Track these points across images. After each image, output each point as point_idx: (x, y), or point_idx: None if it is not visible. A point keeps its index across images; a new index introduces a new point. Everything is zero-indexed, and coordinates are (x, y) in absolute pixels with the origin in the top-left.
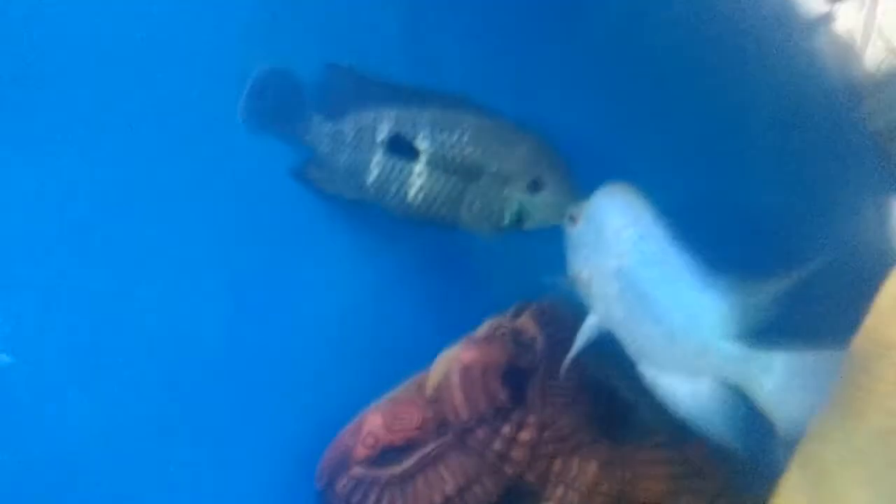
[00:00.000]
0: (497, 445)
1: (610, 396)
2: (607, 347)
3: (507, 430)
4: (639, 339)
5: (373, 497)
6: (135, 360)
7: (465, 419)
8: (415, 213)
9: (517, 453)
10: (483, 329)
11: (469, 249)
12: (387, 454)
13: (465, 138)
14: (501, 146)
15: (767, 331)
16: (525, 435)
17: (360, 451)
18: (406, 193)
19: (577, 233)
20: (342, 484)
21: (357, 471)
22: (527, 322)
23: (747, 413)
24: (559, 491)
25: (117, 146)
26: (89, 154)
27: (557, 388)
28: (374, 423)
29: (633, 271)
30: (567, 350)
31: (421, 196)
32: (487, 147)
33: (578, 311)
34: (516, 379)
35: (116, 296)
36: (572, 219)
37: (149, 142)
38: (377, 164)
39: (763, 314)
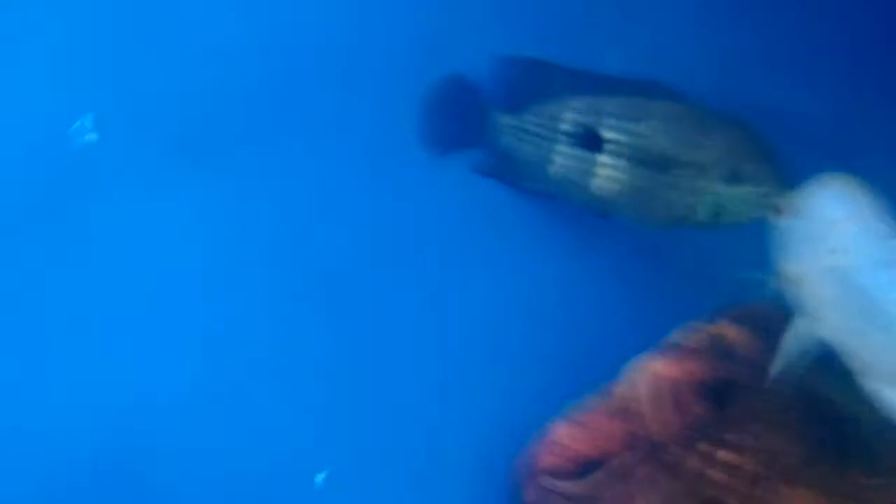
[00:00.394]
0: (693, 463)
1: (828, 413)
2: (824, 356)
3: (704, 447)
4: (861, 349)
5: None
6: (335, 368)
7: (656, 435)
8: (599, 205)
9: (716, 474)
10: (679, 335)
11: (665, 245)
12: (576, 466)
13: (655, 127)
14: (695, 134)
15: None
16: (725, 454)
17: (547, 461)
18: (589, 185)
19: (787, 227)
20: (529, 493)
21: (544, 480)
22: (729, 327)
23: None
24: None
25: (304, 156)
26: (275, 170)
27: (764, 403)
28: (561, 431)
29: (857, 272)
30: (775, 359)
31: (605, 188)
32: (679, 136)
33: (788, 315)
34: (716, 392)
35: (315, 301)
36: (780, 211)
37: (332, 150)
38: (561, 155)
39: None
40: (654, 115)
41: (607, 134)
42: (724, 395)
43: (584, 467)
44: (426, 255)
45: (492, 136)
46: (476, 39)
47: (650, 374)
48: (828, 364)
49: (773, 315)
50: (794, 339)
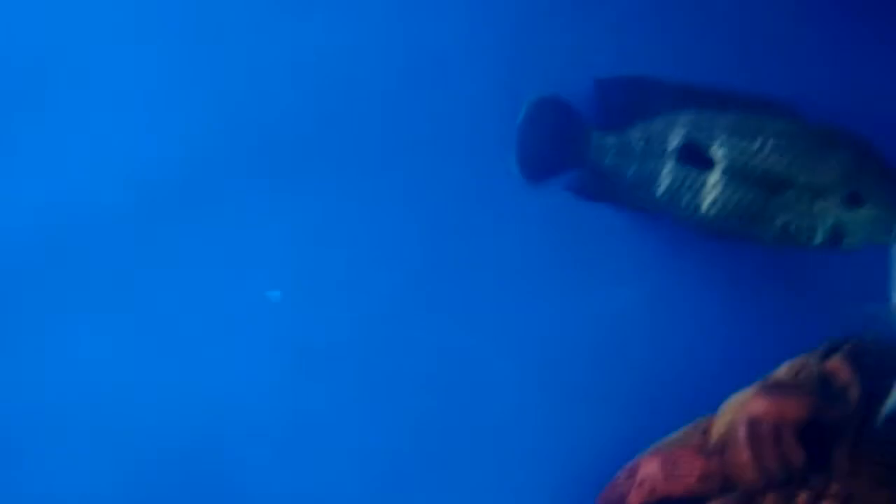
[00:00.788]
0: None
1: None
2: None
3: (803, 498)
4: None
5: None
6: (426, 386)
7: (752, 480)
8: (709, 227)
9: None
10: (783, 370)
11: (779, 270)
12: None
13: (769, 146)
14: (812, 154)
15: None
16: None
17: (635, 499)
18: (699, 205)
19: None
20: None
21: None
22: (839, 365)
23: None
24: None
25: (403, 180)
26: (371, 192)
27: (873, 451)
28: (650, 468)
29: None
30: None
31: (715, 209)
32: (795, 156)
33: None
34: (820, 436)
35: (410, 321)
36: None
37: (429, 175)
38: (668, 174)
39: None
40: (768, 132)
41: (717, 152)
42: (829, 441)
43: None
44: (522, 277)
45: (593, 158)
46: (575, 60)
47: (749, 413)
48: None
49: (891, 353)
50: None
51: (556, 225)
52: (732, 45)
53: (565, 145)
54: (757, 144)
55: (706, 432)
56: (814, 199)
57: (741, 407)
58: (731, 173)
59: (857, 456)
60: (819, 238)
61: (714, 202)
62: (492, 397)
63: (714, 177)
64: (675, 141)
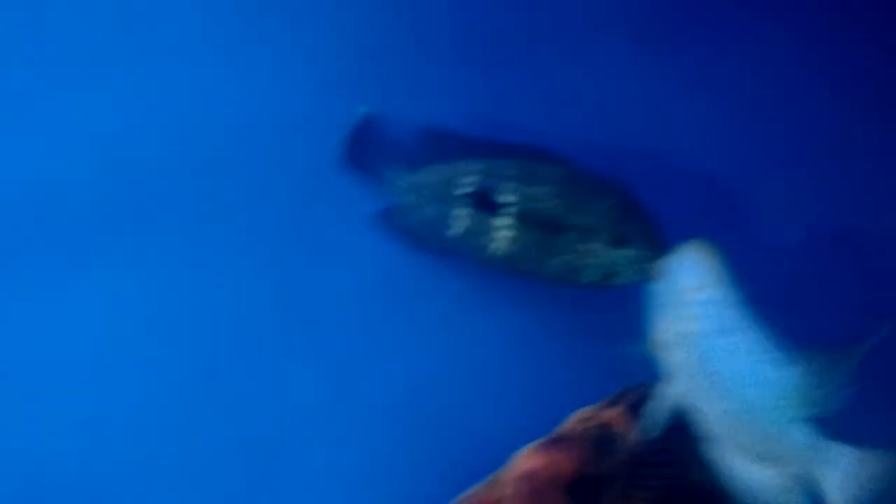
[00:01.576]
0: None
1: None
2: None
3: None
4: (712, 414)
5: None
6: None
7: None
8: (498, 266)
9: None
10: (568, 422)
11: (579, 314)
12: None
13: (550, 191)
14: (587, 199)
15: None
16: None
17: None
18: (488, 246)
19: (655, 292)
20: None
21: None
22: (617, 415)
23: None
24: None
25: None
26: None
27: (642, 498)
28: None
29: (701, 338)
30: (662, 451)
31: (504, 248)
32: (573, 200)
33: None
34: (586, 489)
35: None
36: (657, 273)
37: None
38: (460, 217)
39: (838, 395)
40: (548, 179)
41: (506, 197)
42: (595, 493)
43: None
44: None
45: (397, 192)
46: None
47: (521, 469)
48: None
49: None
50: (657, 404)
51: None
52: (515, 101)
53: (378, 170)
54: (539, 190)
55: (493, 488)
56: (587, 240)
57: (513, 463)
58: (518, 217)
59: (627, 497)
60: (592, 276)
61: (503, 242)
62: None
63: (503, 220)
64: (467, 186)
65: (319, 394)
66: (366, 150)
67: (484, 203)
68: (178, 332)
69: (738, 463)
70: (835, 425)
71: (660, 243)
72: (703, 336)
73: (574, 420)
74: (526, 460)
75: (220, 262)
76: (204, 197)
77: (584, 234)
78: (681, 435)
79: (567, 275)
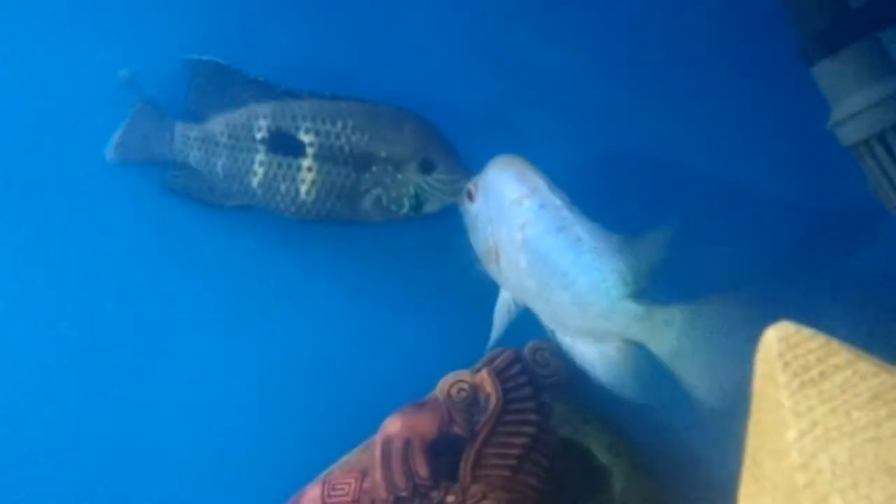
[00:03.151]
0: None
1: (581, 460)
2: (580, 402)
3: None
4: (551, 308)
5: None
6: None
7: (383, 498)
8: (309, 212)
9: None
10: (440, 386)
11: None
12: None
13: (350, 125)
14: (388, 130)
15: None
16: None
17: None
18: (297, 191)
19: (477, 208)
20: None
21: None
22: (485, 377)
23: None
24: None
25: None
26: None
27: (499, 456)
28: (312, 494)
29: (538, 240)
30: (524, 410)
31: (314, 192)
32: (374, 132)
33: (569, 361)
34: (450, 450)
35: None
36: (470, 194)
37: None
38: (261, 163)
39: (656, 268)
40: (346, 114)
41: (305, 137)
42: (456, 452)
43: None
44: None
45: (182, 152)
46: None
47: (384, 432)
48: (587, 409)
49: (553, 360)
50: (499, 311)
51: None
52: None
53: (153, 139)
54: (340, 125)
55: (360, 458)
56: (396, 171)
57: (382, 427)
58: (322, 156)
59: (480, 464)
60: (406, 206)
61: (311, 186)
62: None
63: (307, 161)
64: (261, 131)
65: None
66: (146, 113)
67: (285, 146)
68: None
69: (578, 346)
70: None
71: (464, 166)
72: (535, 238)
73: (443, 384)
74: (390, 424)
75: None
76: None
77: (392, 165)
78: (547, 395)
79: (382, 209)
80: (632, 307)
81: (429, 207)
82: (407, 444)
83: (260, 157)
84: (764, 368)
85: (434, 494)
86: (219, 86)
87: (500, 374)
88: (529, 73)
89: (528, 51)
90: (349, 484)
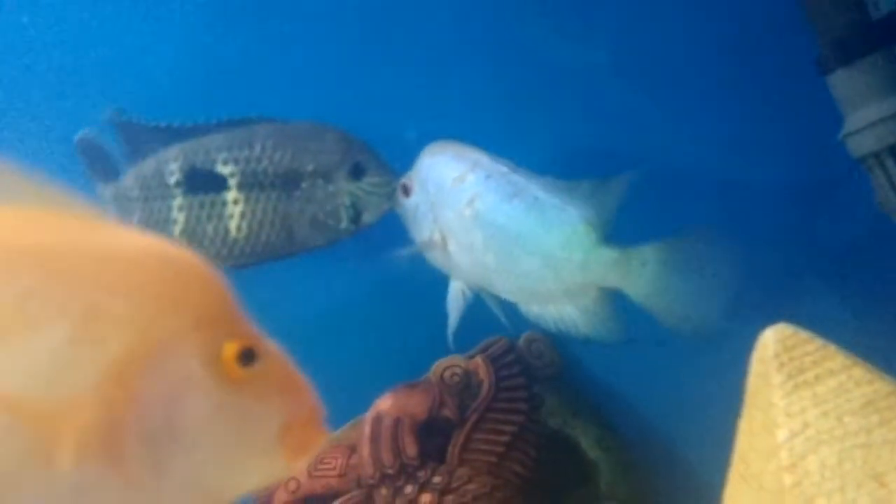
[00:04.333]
0: None
1: (568, 453)
2: (572, 395)
3: (409, 490)
4: (516, 279)
5: None
6: None
7: (370, 474)
8: (243, 251)
9: None
10: (434, 368)
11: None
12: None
13: (269, 146)
14: (309, 143)
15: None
16: (426, 498)
17: (281, 497)
18: (227, 229)
19: (415, 200)
20: None
21: None
22: (479, 363)
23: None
24: None
25: None
26: None
27: (487, 441)
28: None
29: (492, 212)
30: (515, 399)
31: (245, 227)
32: (295, 148)
33: (563, 350)
34: (439, 432)
35: None
36: (405, 189)
37: None
38: (180, 208)
39: (616, 211)
40: (262, 135)
41: (224, 168)
42: (445, 435)
43: (313, 501)
44: None
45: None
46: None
47: (375, 410)
48: (577, 401)
49: (546, 350)
50: (453, 301)
51: None
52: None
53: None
54: (258, 149)
55: (348, 434)
56: (326, 183)
57: (373, 406)
58: (247, 184)
59: (468, 448)
60: (344, 219)
61: (241, 219)
62: None
63: (232, 193)
64: (174, 174)
65: None
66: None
67: (201, 183)
68: None
69: (551, 309)
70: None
71: (392, 168)
72: (489, 209)
73: (436, 367)
74: (381, 402)
75: None
76: None
77: (321, 178)
78: (539, 386)
79: (322, 228)
80: (608, 252)
81: (368, 217)
82: (397, 422)
83: (178, 201)
84: (759, 368)
85: (420, 474)
86: (128, 142)
87: (494, 362)
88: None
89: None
90: (336, 459)
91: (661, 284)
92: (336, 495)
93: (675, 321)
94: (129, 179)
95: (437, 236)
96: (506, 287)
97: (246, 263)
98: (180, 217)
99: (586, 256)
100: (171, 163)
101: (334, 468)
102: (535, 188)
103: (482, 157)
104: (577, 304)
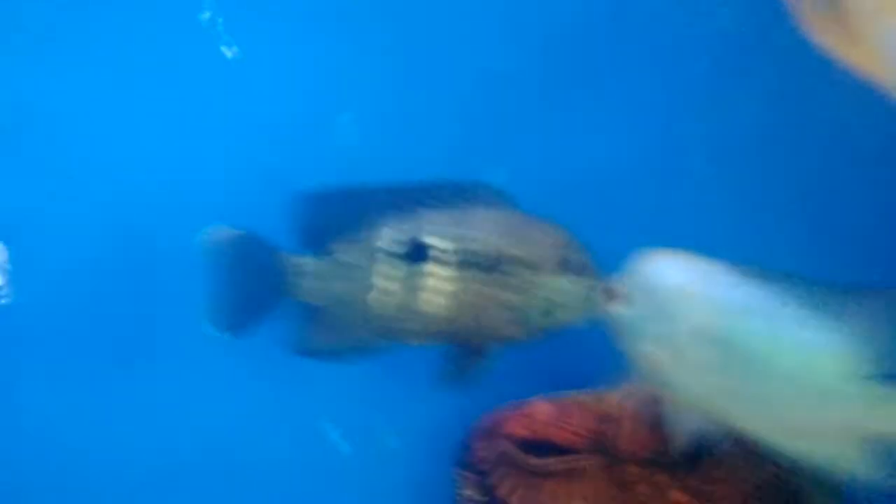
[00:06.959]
0: (644, 489)
1: (789, 492)
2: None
3: (661, 479)
4: (755, 403)
5: (502, 474)
6: None
7: (623, 450)
8: (438, 329)
9: None
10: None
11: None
12: (538, 443)
13: (483, 229)
14: (522, 232)
15: None
16: (679, 495)
17: (517, 429)
18: (417, 302)
19: (632, 311)
20: (482, 449)
21: (503, 444)
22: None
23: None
24: None
25: None
26: None
27: (741, 474)
28: (543, 410)
29: (727, 328)
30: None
31: (444, 303)
32: (508, 234)
33: None
34: (705, 445)
35: None
36: (614, 297)
37: None
38: (387, 277)
39: (887, 337)
40: (479, 217)
41: (439, 243)
42: (701, 448)
43: (545, 448)
44: None
45: (291, 283)
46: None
47: (648, 394)
48: None
49: None
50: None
51: None
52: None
53: (261, 279)
54: (472, 230)
55: (601, 399)
56: (528, 273)
57: (643, 387)
58: (455, 260)
59: (720, 465)
60: (537, 312)
61: (441, 295)
62: None
63: (437, 267)
64: (386, 243)
65: None
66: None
67: (410, 255)
68: None
69: (798, 444)
70: None
71: (598, 272)
72: (725, 327)
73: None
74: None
75: None
76: None
77: (525, 266)
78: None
79: (511, 319)
80: (856, 387)
81: (562, 315)
82: (660, 415)
83: (383, 265)
84: None
85: (678, 472)
86: (337, 211)
87: None
88: None
89: None
90: (580, 419)
91: None
92: (567, 449)
93: None
94: (342, 246)
95: (658, 354)
96: (739, 413)
97: (434, 340)
98: (382, 283)
99: (827, 388)
100: (385, 231)
101: (580, 427)
102: (781, 304)
103: (713, 269)
104: (823, 438)
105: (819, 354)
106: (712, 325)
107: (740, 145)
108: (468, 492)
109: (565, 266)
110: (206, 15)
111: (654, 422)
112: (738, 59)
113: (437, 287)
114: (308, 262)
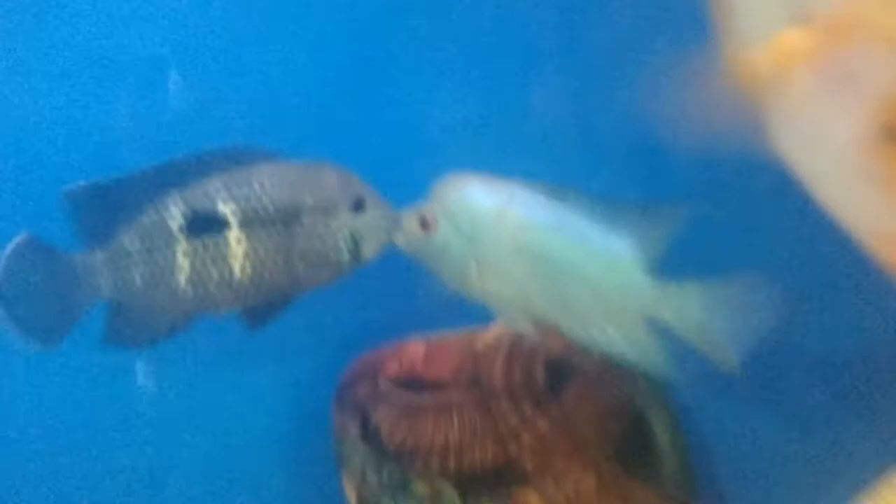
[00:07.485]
0: (513, 420)
1: (640, 427)
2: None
3: (528, 410)
4: (563, 304)
5: (384, 411)
6: None
7: (495, 385)
8: (248, 293)
9: (528, 436)
10: None
11: None
12: (413, 381)
13: (268, 184)
14: (309, 179)
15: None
16: (544, 424)
17: (392, 369)
18: (232, 271)
19: (443, 235)
20: (362, 388)
21: (383, 384)
22: None
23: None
24: (548, 486)
25: None
26: None
27: (595, 399)
28: (416, 350)
29: (538, 242)
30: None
31: (249, 266)
32: (294, 184)
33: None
34: (561, 372)
35: None
36: (425, 223)
37: None
38: (184, 254)
39: (666, 244)
40: (261, 174)
41: (225, 209)
42: (567, 380)
43: (420, 385)
44: None
45: (93, 287)
46: None
47: (516, 332)
48: (648, 382)
49: None
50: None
51: None
52: None
53: (55, 289)
54: (256, 186)
55: (473, 339)
56: (327, 218)
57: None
58: (248, 222)
59: (583, 399)
60: (344, 253)
61: (245, 259)
62: None
63: (234, 232)
64: (176, 220)
65: None
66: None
67: (205, 226)
68: None
69: (598, 334)
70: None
71: (389, 205)
72: (534, 241)
73: None
74: (524, 326)
75: None
76: None
77: (321, 213)
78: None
79: (321, 266)
80: (649, 285)
81: (367, 251)
82: (533, 349)
83: (181, 247)
84: None
85: (542, 402)
86: (113, 201)
87: None
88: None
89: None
90: (454, 358)
91: (709, 324)
92: (441, 385)
93: (716, 356)
94: (127, 237)
95: (471, 269)
96: (549, 312)
97: (247, 310)
98: (185, 264)
99: (626, 287)
100: (171, 210)
101: (450, 364)
102: (578, 216)
103: (516, 188)
104: (619, 329)
105: (615, 259)
106: (525, 241)
107: None
108: (352, 431)
109: (359, 203)
110: None
111: (523, 355)
112: None
113: (236, 252)
114: (98, 257)
